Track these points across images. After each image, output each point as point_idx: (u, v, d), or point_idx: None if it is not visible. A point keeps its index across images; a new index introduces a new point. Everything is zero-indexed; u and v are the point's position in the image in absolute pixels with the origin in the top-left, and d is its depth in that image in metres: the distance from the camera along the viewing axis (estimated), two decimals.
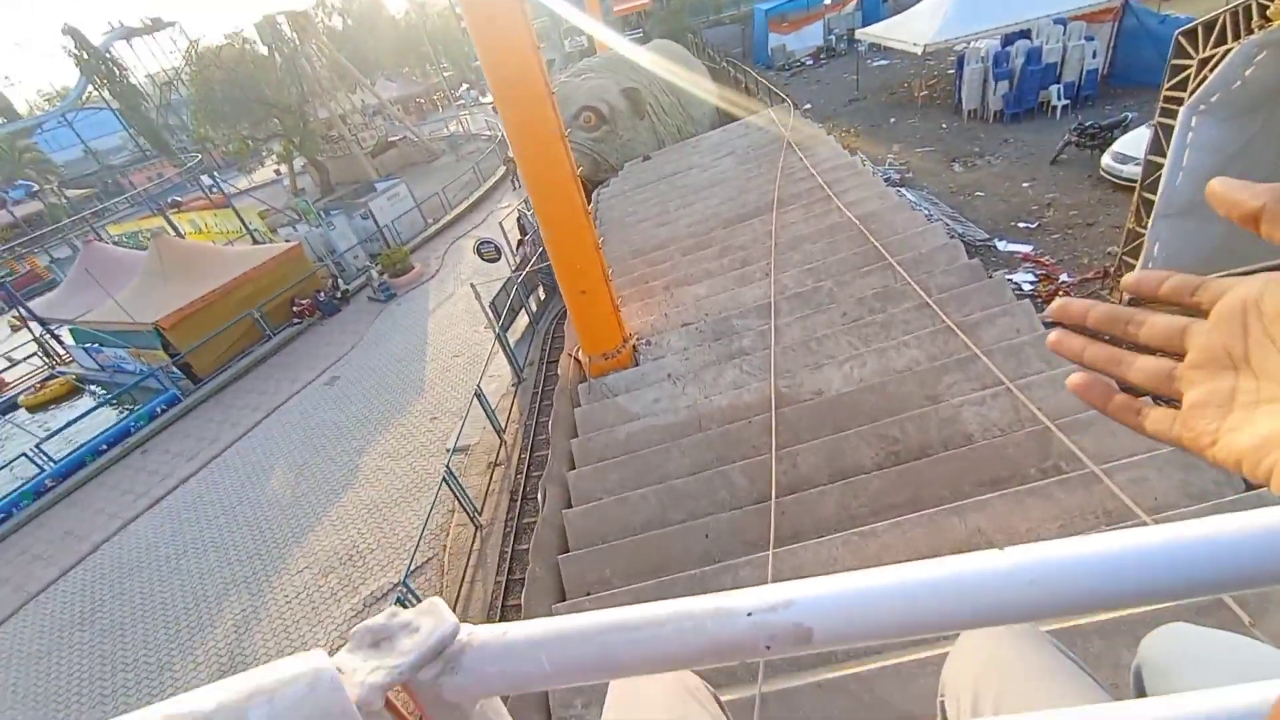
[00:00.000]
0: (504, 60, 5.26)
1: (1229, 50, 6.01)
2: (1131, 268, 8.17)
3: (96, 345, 14.53)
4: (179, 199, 33.72)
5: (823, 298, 6.52)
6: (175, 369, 13.22)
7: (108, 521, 10.19)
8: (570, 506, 5.29)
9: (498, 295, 11.52)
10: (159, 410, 12.71)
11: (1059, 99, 14.19)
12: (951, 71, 17.76)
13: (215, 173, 34.96)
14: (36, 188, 45.96)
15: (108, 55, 43.14)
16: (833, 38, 25.70)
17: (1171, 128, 6.99)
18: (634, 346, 6.80)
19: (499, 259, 11.33)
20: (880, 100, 19.03)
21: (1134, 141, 10.78)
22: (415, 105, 46.93)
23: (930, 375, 5.01)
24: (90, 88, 45.82)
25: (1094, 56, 14.23)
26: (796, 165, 9.84)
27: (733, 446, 5.18)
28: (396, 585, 6.69)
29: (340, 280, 16.73)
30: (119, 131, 53.33)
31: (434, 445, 9.85)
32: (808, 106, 19.77)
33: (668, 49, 18.63)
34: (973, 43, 15.40)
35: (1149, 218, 7.64)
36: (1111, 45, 14.67)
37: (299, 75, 29.06)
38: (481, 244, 10.94)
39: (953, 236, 10.62)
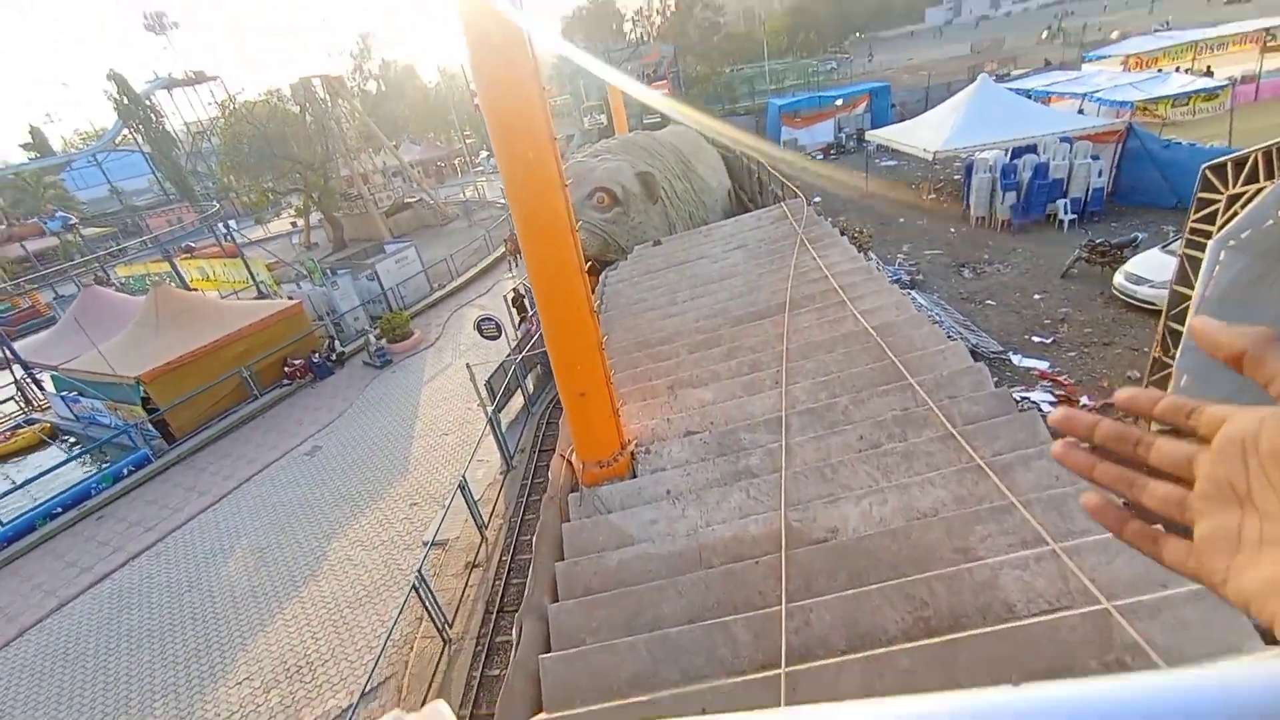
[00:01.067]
0: (518, 152, 5.08)
1: (1260, 189, 5.89)
2: None
3: (75, 395, 14.03)
4: (193, 244, 34.11)
5: (837, 416, 6.09)
6: (151, 426, 12.65)
7: (43, 599, 9.30)
8: (549, 648, 4.64)
9: (494, 374, 11.15)
10: (126, 471, 12.03)
11: (1066, 213, 14.35)
12: (958, 177, 18.22)
13: (233, 221, 35.66)
14: (74, 220, 46.82)
15: (147, 103, 45.06)
16: (842, 135, 26.72)
17: (1197, 259, 6.82)
18: (632, 454, 6.31)
19: (499, 337, 11.03)
20: (889, 199, 19.42)
21: (1146, 263, 10.73)
22: (435, 168, 48.54)
23: (960, 524, 4.50)
24: (125, 131, 47.64)
25: (1099, 175, 14.52)
26: (809, 265, 9.69)
27: (737, 590, 4.59)
28: (347, 711, 5.88)
29: (337, 342, 16.42)
30: (147, 175, 55.07)
31: (410, 535, 9.16)
32: (818, 199, 20.19)
33: (683, 135, 19.21)
34: (980, 153, 15.82)
35: (1176, 348, 7.36)
36: (1115, 165, 15.02)
37: (326, 134, 30.06)
38: (482, 321, 10.67)
39: (953, 338, 10.41)
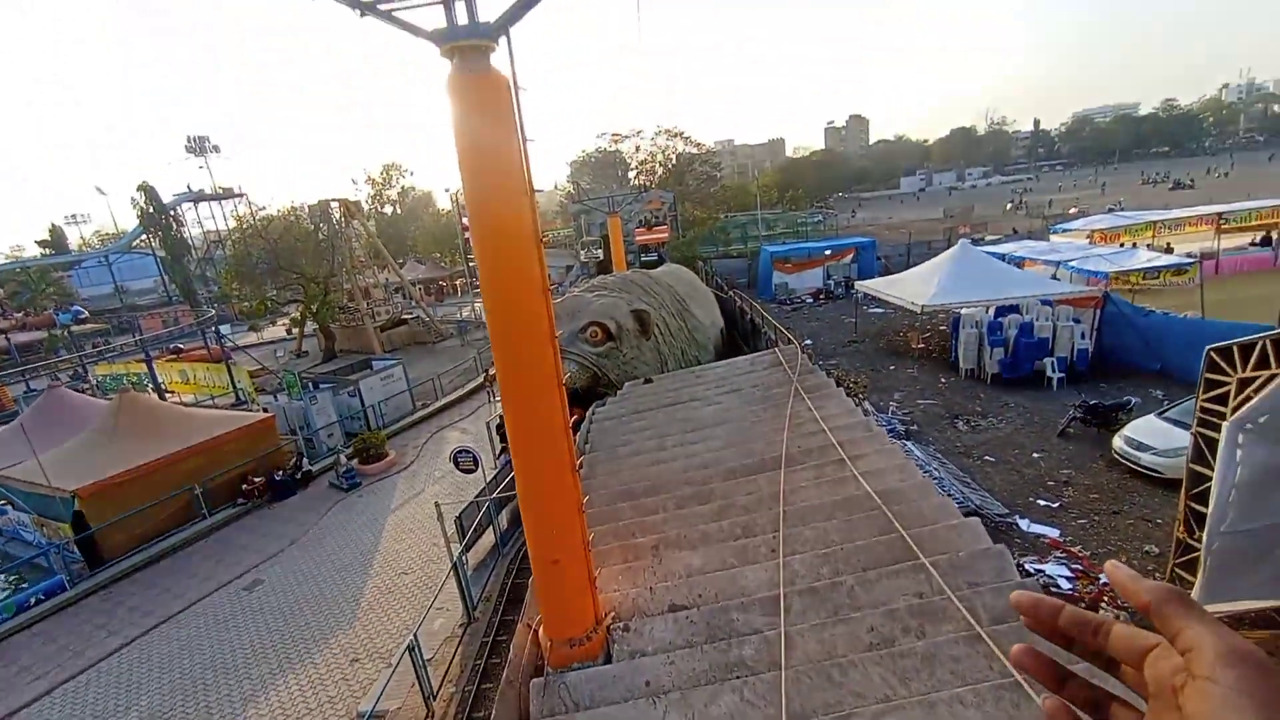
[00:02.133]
0: (510, 300, 4.84)
1: (1273, 376, 5.75)
2: (1187, 583, 7.14)
3: (4, 506, 12.81)
4: (181, 346, 33.90)
5: (842, 598, 5.37)
6: (75, 548, 11.38)
7: None
8: None
9: (466, 509, 10.31)
10: (32, 601, 10.61)
11: (1054, 371, 14.48)
12: (944, 328, 18.71)
13: (227, 325, 35.81)
14: (85, 314, 46.92)
15: (171, 213, 47.18)
16: (831, 283, 27.98)
17: (1212, 439, 6.56)
18: (608, 629, 5.46)
19: (475, 470, 10.34)
20: (878, 346, 19.78)
21: (1145, 429, 10.49)
22: (436, 287, 50.05)
23: None
24: (144, 236, 49.36)
25: (1083, 337, 14.89)
26: (805, 415, 9.35)
27: None
28: None
29: (305, 460, 15.54)
30: (154, 275, 56.31)
31: (344, 701, 7.82)
32: (808, 343, 20.49)
33: (679, 274, 19.86)
34: (964, 309, 16.33)
35: (1201, 530, 6.85)
36: (1096, 329, 15.45)
37: (335, 251, 31.14)
38: (458, 453, 10.06)
39: (961, 504, 9.84)
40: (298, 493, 14.71)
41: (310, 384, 17.93)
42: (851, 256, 29.30)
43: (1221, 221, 22.29)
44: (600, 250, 32.66)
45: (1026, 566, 8.46)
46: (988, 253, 20.58)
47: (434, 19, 4.26)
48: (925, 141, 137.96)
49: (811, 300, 27.26)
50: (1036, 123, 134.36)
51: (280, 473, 14.65)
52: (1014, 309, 15.89)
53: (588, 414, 10.68)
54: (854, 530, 6.25)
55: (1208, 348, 6.33)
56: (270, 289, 31.61)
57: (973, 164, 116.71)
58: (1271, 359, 5.69)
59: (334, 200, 32.82)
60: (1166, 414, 10.57)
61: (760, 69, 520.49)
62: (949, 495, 10.22)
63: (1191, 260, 17.76)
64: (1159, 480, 9.80)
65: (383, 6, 4.21)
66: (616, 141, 54.58)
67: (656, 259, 27.38)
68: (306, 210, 34.79)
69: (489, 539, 11.03)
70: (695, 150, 54.31)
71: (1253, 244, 23.29)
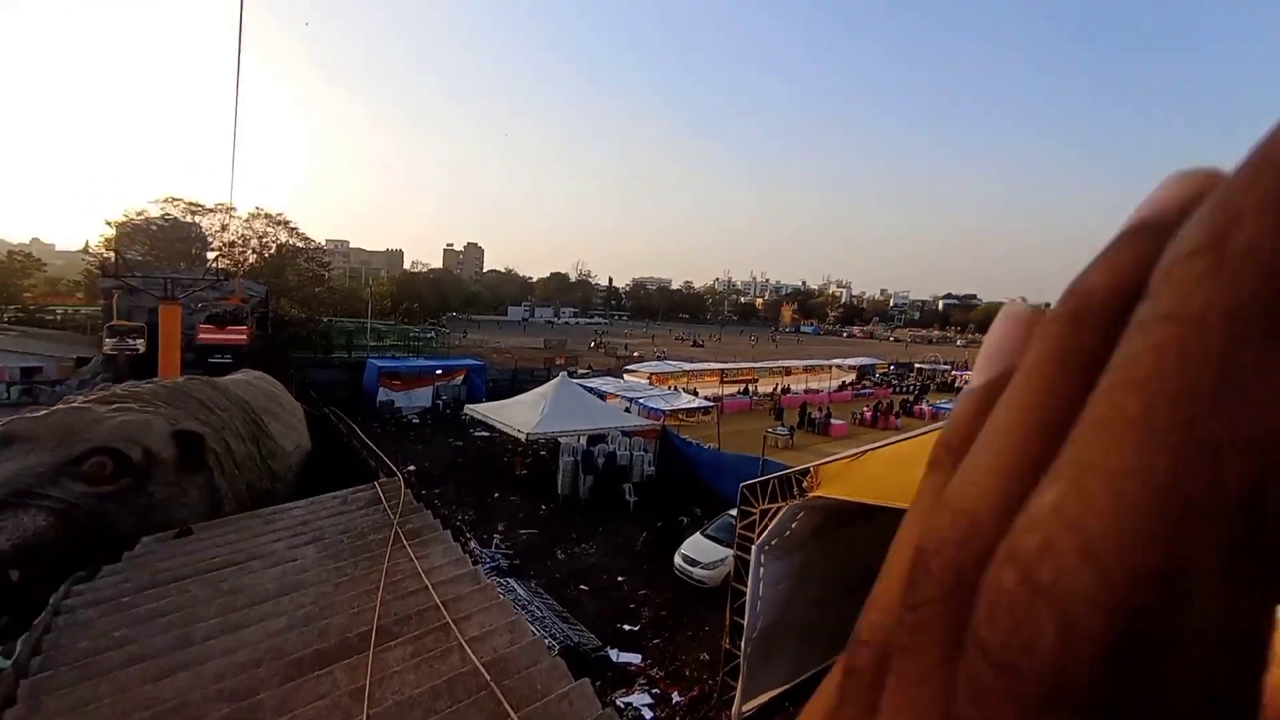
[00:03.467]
0: None
1: (780, 508, 7.56)
2: (730, 688, 8.41)
3: None
4: None
5: None
6: None
7: None
8: None
9: None
10: None
11: (630, 495, 16.82)
12: (543, 453, 20.01)
13: None
14: None
15: None
16: (440, 403, 27.34)
17: (747, 561, 8.13)
18: None
19: None
20: (483, 471, 19.72)
21: (694, 546, 12.73)
22: None
23: None
24: None
25: (649, 464, 17.92)
26: (405, 569, 7.98)
27: None
28: None
29: None
30: None
31: None
32: (412, 469, 18.99)
33: (258, 385, 15.98)
34: (563, 438, 17.88)
35: (740, 639, 8.25)
36: (656, 456, 18.89)
37: None
38: None
39: (548, 632, 9.92)
40: None
41: None
42: (463, 378, 29.63)
43: (724, 375, 31.32)
44: (140, 342, 24.46)
45: (616, 701, 8.74)
46: (582, 385, 23.60)
47: None
48: (530, 278, 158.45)
49: (419, 420, 25.97)
50: (610, 280, 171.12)
51: None
52: (602, 438, 18.19)
53: (51, 602, 6.86)
54: None
55: (741, 485, 8.01)
56: None
57: (567, 303, 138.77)
58: (779, 494, 7.51)
59: None
60: (708, 531, 13.12)
61: (385, 178, 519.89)
62: (550, 636, 10.15)
63: (712, 404, 24.05)
64: (707, 591, 11.85)
65: None
66: (194, 213, 44.13)
67: (230, 361, 22.02)
68: None
69: None
70: (301, 244, 48.38)
71: (739, 392, 33.44)
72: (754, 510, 7.85)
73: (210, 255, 44.63)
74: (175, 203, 44.25)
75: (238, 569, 8.11)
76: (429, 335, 48.16)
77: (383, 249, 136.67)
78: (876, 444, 6.73)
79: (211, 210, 44.74)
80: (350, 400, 27.67)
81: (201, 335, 22.59)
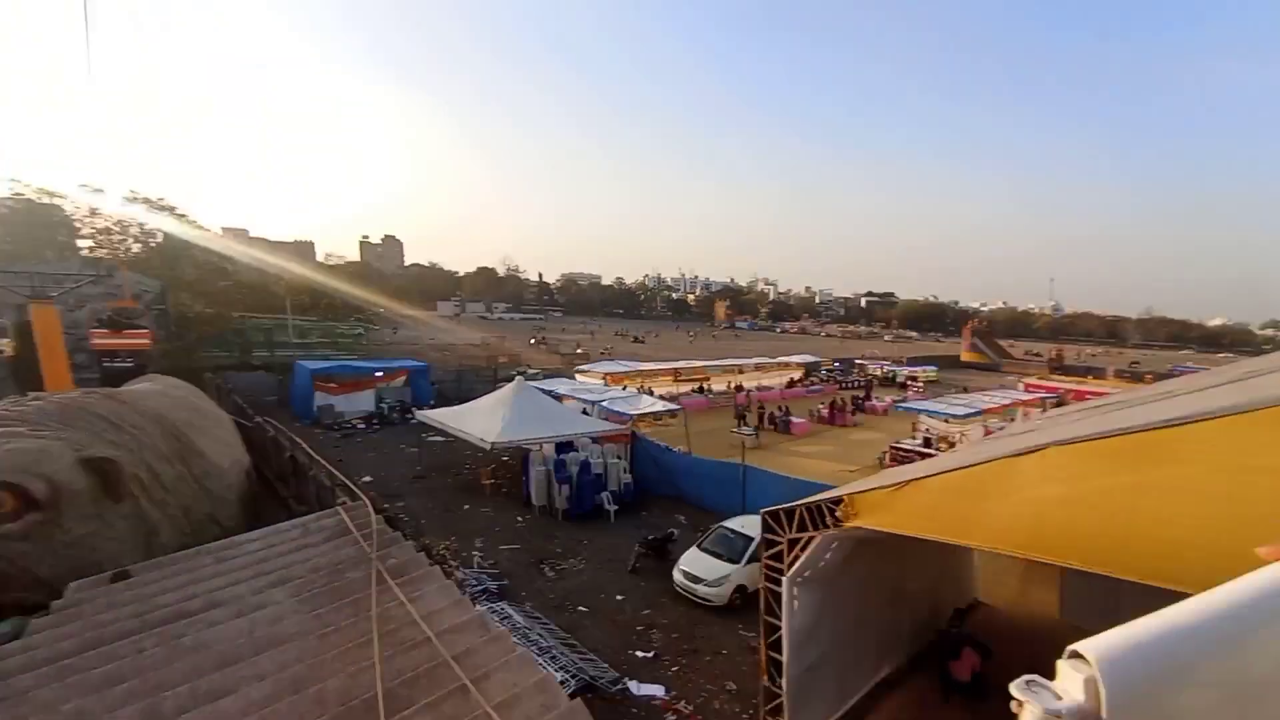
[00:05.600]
0: None
1: (812, 538, 7.01)
2: None
3: None
4: None
5: None
6: None
7: None
8: None
9: None
10: None
11: (609, 504, 15.94)
12: (507, 459, 18.69)
13: None
14: None
15: None
16: (384, 406, 25.23)
17: (778, 593, 7.51)
18: None
19: None
20: (447, 480, 18.22)
21: (694, 562, 11.99)
22: None
23: None
24: None
25: (625, 472, 17.09)
26: (398, 615, 6.70)
27: None
28: None
29: None
30: None
31: None
32: (368, 479, 17.24)
33: (174, 394, 13.78)
34: (531, 448, 16.72)
35: (781, 676, 7.65)
36: (629, 463, 18.07)
37: None
38: None
39: (560, 666, 8.92)
40: None
41: None
42: (405, 379, 27.53)
43: (678, 375, 30.89)
44: (5, 343, 20.75)
45: None
46: (538, 388, 22.31)
47: None
48: (457, 273, 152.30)
49: (364, 426, 23.81)
50: (540, 275, 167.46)
51: None
52: (571, 446, 17.14)
53: None
54: None
55: (762, 511, 7.39)
56: None
57: (498, 299, 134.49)
58: (808, 523, 6.95)
59: None
60: (704, 545, 12.47)
61: (288, 164, 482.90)
62: (562, 670, 9.18)
63: (679, 407, 23.50)
64: (715, 609, 11.23)
65: None
66: (51, 195, 37.74)
67: (131, 365, 19.15)
68: None
69: None
70: (194, 231, 43.08)
71: (695, 391, 33.14)
72: (780, 539, 7.25)
73: (81, 245, 38.76)
74: (20, 183, 36.97)
75: (196, 621, 6.58)
76: (357, 332, 44.83)
77: (290, 239, 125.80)
78: (920, 475, 6.30)
79: (65, 196, 38.05)
80: (280, 406, 25.02)
81: (95, 342, 19.52)
